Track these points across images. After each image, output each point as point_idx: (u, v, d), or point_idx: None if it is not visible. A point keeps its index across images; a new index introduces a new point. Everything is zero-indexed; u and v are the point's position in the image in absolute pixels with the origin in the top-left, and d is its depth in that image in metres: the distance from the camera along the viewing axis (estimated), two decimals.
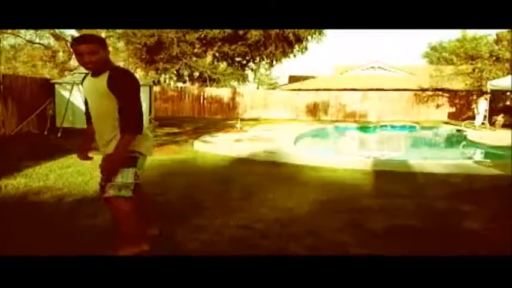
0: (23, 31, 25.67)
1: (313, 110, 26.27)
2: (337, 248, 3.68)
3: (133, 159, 3.29)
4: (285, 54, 29.21)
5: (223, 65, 29.74)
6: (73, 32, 27.44)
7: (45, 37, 27.14)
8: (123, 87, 3.16)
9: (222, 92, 26.83)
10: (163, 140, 12.09)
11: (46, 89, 14.51)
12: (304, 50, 29.23)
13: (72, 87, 14.18)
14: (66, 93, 14.39)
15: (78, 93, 14.26)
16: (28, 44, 27.10)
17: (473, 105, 21.01)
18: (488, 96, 19.81)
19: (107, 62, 3.20)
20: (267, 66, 33.16)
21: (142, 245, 3.44)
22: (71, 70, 25.65)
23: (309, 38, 28.07)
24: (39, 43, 27.30)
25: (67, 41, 26.91)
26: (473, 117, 20.16)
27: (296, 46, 28.85)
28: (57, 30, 26.15)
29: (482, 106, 19.44)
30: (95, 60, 3.11)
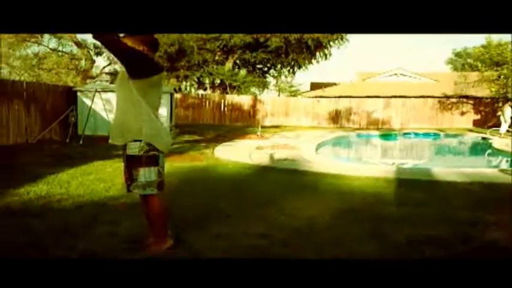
0: (46, 39, 26.08)
1: (335, 117, 26.09)
2: (358, 258, 3.57)
3: (154, 158, 3.39)
4: (306, 60, 29.14)
5: (243, 72, 29.77)
6: (95, 41, 27.76)
7: (68, 45, 27.49)
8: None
9: (243, 99, 26.84)
10: (184, 147, 12.10)
11: (68, 96, 14.69)
12: (328, 56, 29.14)
13: (94, 95, 14.32)
14: (88, 101, 14.55)
15: (100, 101, 14.41)
16: (53, 52, 27.47)
17: (499, 113, 20.61)
18: None
19: None
20: (287, 73, 33.10)
21: (168, 240, 3.60)
22: (93, 78, 25.96)
23: (331, 43, 27.97)
24: (62, 51, 27.66)
25: (89, 49, 27.24)
26: (498, 125, 19.77)
27: (317, 52, 28.75)
28: (79, 38, 26.50)
29: (507, 113, 19.08)
30: None
